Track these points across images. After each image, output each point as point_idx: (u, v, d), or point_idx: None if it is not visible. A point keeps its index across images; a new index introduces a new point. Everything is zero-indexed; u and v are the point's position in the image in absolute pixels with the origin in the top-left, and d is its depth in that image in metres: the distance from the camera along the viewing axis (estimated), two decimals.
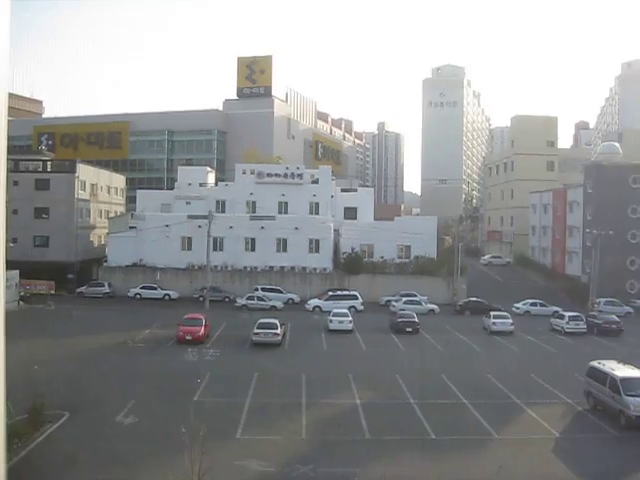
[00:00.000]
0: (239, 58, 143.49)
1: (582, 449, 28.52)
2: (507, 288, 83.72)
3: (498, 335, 57.28)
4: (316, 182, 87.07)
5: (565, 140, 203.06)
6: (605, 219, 79.32)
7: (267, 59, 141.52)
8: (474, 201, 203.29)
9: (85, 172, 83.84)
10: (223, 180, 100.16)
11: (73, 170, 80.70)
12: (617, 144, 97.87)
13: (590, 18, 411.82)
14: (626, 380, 32.00)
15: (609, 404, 32.29)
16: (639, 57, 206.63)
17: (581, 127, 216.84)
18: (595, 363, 35.39)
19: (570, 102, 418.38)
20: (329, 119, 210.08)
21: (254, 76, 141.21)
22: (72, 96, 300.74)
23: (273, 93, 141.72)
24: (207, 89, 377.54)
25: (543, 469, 25.94)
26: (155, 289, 73.41)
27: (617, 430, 30.65)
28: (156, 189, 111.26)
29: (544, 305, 71.44)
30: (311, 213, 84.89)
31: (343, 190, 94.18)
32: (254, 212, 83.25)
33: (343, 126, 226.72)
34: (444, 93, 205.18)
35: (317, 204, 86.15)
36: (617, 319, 62.02)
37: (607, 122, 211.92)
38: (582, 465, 26.50)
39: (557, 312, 65.47)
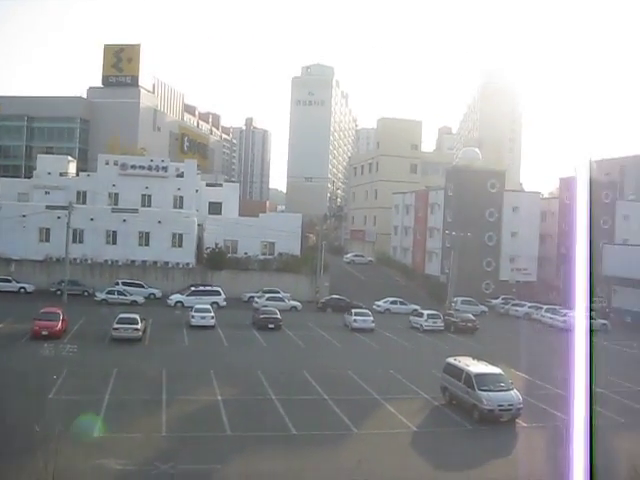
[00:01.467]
0: (106, 45, 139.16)
1: (438, 442, 29.41)
2: (369, 286, 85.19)
3: (359, 332, 58.19)
4: (181, 176, 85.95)
5: (429, 144, 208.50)
6: (464, 221, 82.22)
7: (135, 48, 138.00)
8: (339, 200, 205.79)
9: None
10: (85, 170, 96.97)
11: None
12: (477, 150, 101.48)
13: (455, 26, 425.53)
14: (480, 376, 33.27)
15: (464, 399, 33.43)
16: (501, 66, 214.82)
17: (444, 132, 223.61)
18: (451, 359, 36.55)
19: (434, 107, 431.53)
20: (196, 112, 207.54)
21: (121, 64, 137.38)
22: None
23: (140, 83, 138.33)
24: (75, 77, 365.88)
25: (401, 462, 26.54)
26: (9, 282, 70.02)
27: (471, 423, 31.82)
28: (13, 177, 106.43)
29: (404, 303, 73.14)
30: (175, 207, 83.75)
31: (208, 185, 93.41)
32: (116, 204, 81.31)
33: (210, 120, 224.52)
34: (313, 92, 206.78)
35: (181, 198, 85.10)
36: (473, 318, 64.30)
37: (468, 128, 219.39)
38: (438, 457, 27.36)
39: (416, 310, 67.18)
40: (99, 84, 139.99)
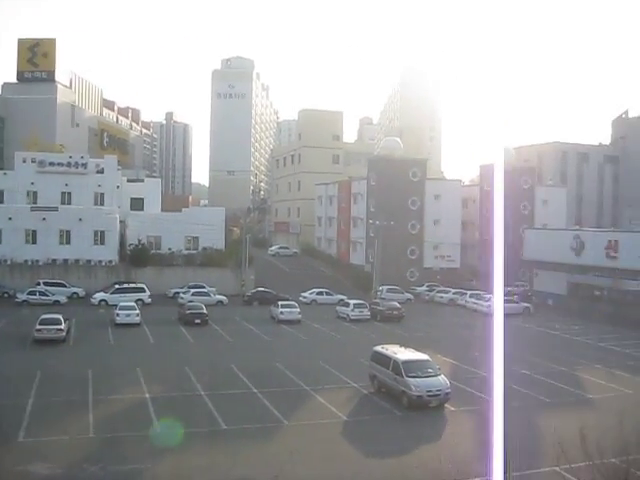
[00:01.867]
0: (20, 40, 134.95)
1: (368, 430, 29.58)
2: (294, 278, 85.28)
3: (286, 324, 58.15)
4: (101, 172, 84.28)
5: (350, 134, 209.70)
6: (387, 210, 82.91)
7: (50, 42, 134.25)
8: (262, 193, 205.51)
9: None
10: (2, 169, 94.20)
11: None
12: (398, 139, 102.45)
13: (375, 16, 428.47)
14: (407, 362, 33.62)
15: (392, 386, 33.70)
16: (421, 57, 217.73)
17: (365, 122, 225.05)
18: (379, 348, 36.80)
19: (355, 98, 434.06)
20: (115, 107, 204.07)
21: (36, 59, 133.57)
22: None
23: (56, 78, 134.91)
24: None
25: (332, 451, 26.60)
26: None
27: (400, 410, 32.11)
28: None
29: (330, 294, 73.40)
30: (96, 204, 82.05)
31: (129, 180, 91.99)
32: (35, 203, 79.20)
33: (130, 115, 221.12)
34: (233, 85, 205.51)
35: (102, 194, 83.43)
36: (398, 306, 64.92)
37: (390, 118, 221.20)
38: (368, 445, 27.50)
39: (342, 300, 67.51)
40: (14, 80, 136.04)
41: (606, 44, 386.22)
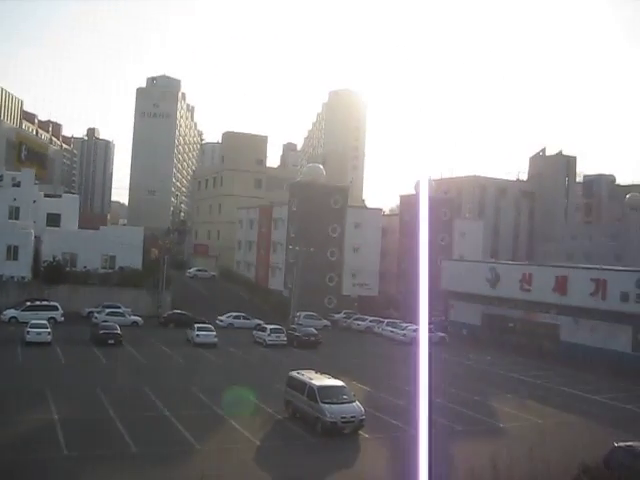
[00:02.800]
0: None
1: (282, 456, 29.35)
2: (212, 301, 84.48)
3: (202, 347, 57.47)
4: (18, 185, 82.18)
5: (273, 160, 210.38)
6: (307, 237, 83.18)
7: None
8: (182, 214, 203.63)
9: None
10: None
11: None
12: (321, 166, 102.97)
13: (299, 43, 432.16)
14: (322, 388, 33.56)
15: (307, 412, 33.55)
16: (345, 87, 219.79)
17: (289, 148, 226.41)
18: (294, 373, 36.63)
19: (279, 124, 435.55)
20: (36, 120, 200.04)
21: None
22: None
23: None
24: None
25: (245, 476, 26.32)
26: None
27: (314, 436, 31.97)
28: None
29: (247, 318, 73.01)
30: (11, 218, 79.82)
31: (47, 195, 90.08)
32: None
33: (51, 129, 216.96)
34: (158, 104, 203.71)
35: (17, 209, 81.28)
36: (315, 332, 64.99)
37: (313, 145, 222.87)
38: (281, 471, 27.25)
39: (259, 325, 67.16)
40: None
41: (527, 84, 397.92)
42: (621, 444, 26.33)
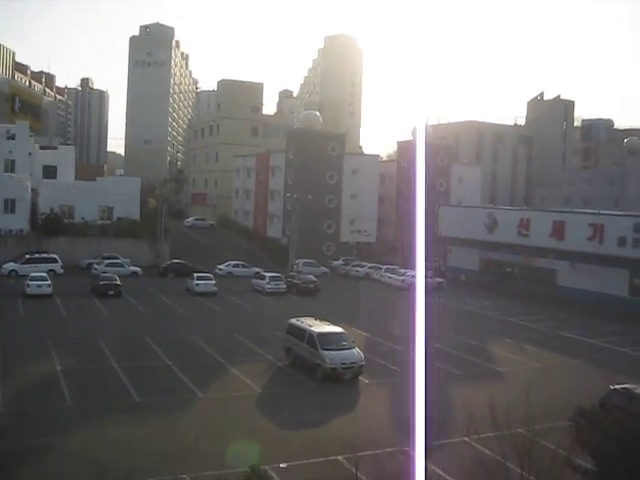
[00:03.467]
0: None
1: (283, 403, 29.77)
2: (210, 250, 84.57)
3: (202, 296, 57.83)
4: (12, 138, 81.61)
5: (270, 107, 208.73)
6: (305, 184, 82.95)
7: None
8: (179, 163, 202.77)
9: None
10: None
11: None
12: (318, 113, 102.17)
13: None
14: (322, 335, 33.91)
15: (307, 358, 33.95)
16: (341, 32, 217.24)
17: (285, 95, 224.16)
18: (294, 320, 36.97)
19: (275, 70, 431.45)
20: (28, 72, 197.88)
21: None
22: None
23: None
24: None
25: (247, 424, 26.64)
26: None
27: (315, 383, 32.41)
28: None
29: (246, 266, 73.17)
30: (7, 171, 79.36)
31: (42, 148, 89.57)
32: None
33: (44, 80, 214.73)
34: (152, 53, 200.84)
35: (13, 162, 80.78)
36: (314, 279, 65.33)
37: (309, 92, 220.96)
38: (284, 417, 27.64)
39: (258, 273, 67.35)
40: None
41: (524, 27, 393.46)
42: (617, 386, 26.71)
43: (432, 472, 22.19)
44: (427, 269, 72.76)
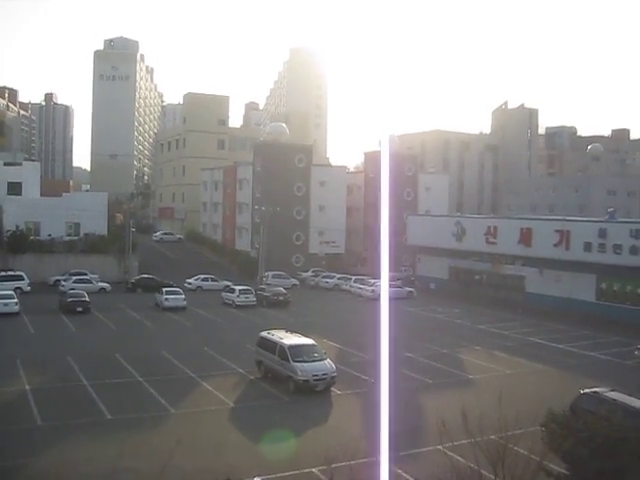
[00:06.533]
0: None
1: (255, 416, 29.67)
2: (179, 264, 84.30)
3: (171, 311, 57.53)
4: None
5: (236, 120, 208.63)
6: (273, 196, 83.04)
7: None
8: (146, 177, 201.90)
9: None
10: None
11: None
12: (284, 125, 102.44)
13: (260, 4, 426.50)
14: (293, 347, 33.92)
15: (279, 371, 33.91)
16: (305, 44, 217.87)
17: (251, 107, 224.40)
18: (265, 333, 36.92)
19: (241, 83, 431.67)
20: None
21: None
22: None
23: None
24: None
25: (221, 438, 26.54)
26: None
27: (287, 395, 32.37)
28: None
29: (215, 280, 72.94)
30: None
31: (6, 164, 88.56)
32: None
33: (7, 95, 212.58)
34: (116, 66, 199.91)
35: None
36: (284, 291, 65.24)
37: (275, 104, 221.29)
38: (257, 431, 27.48)
39: (228, 286, 67.13)
40: None
41: (486, 37, 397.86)
42: (587, 390, 26.98)
43: None
44: (396, 279, 73.34)
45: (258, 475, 22.07)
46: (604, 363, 42.04)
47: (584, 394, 26.67)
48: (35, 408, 29.30)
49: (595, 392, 26.48)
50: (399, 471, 22.97)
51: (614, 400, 24.48)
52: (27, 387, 32.63)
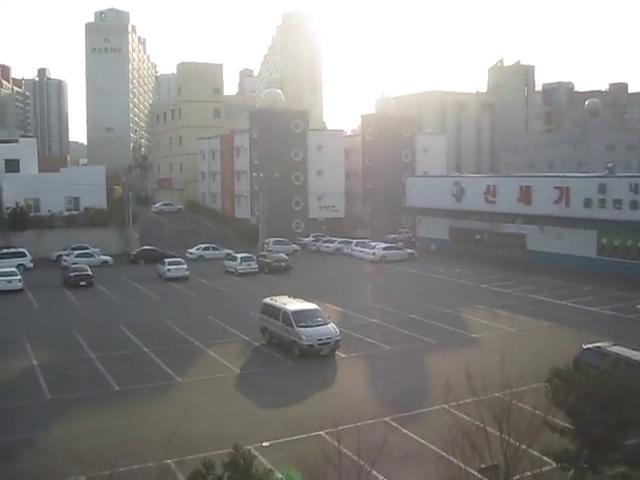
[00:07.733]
0: None
1: (263, 382, 29.90)
2: (180, 234, 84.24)
3: (174, 281, 57.69)
4: None
5: (231, 87, 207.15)
6: (271, 163, 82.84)
7: None
8: (143, 149, 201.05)
9: None
10: None
11: None
12: (279, 91, 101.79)
13: None
14: (297, 313, 34.10)
15: (283, 337, 34.11)
16: (298, 8, 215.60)
17: (245, 75, 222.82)
18: (268, 299, 37.06)
19: (235, 51, 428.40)
20: None
21: None
22: None
23: None
24: None
25: (228, 405, 26.77)
26: None
27: (293, 360, 32.56)
28: None
29: (217, 248, 73.01)
30: None
31: (3, 141, 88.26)
32: None
33: (0, 72, 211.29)
34: (108, 39, 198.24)
35: None
36: (286, 257, 65.34)
37: (270, 70, 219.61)
38: (264, 396, 27.78)
39: (229, 254, 67.24)
40: None
41: None
42: (589, 345, 27.18)
43: (412, 440, 22.58)
44: (397, 241, 73.43)
45: (266, 440, 22.34)
46: (607, 318, 42.19)
47: (587, 349, 26.87)
48: (44, 382, 29.55)
49: (598, 347, 26.67)
50: (405, 431, 23.21)
51: (617, 354, 24.63)
52: (35, 362, 32.86)
